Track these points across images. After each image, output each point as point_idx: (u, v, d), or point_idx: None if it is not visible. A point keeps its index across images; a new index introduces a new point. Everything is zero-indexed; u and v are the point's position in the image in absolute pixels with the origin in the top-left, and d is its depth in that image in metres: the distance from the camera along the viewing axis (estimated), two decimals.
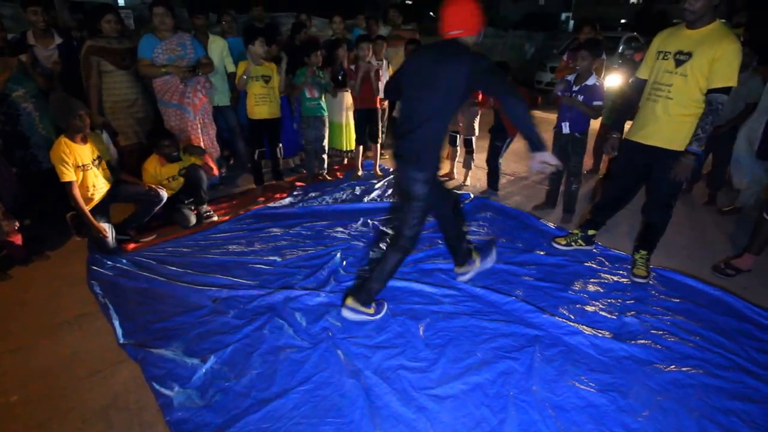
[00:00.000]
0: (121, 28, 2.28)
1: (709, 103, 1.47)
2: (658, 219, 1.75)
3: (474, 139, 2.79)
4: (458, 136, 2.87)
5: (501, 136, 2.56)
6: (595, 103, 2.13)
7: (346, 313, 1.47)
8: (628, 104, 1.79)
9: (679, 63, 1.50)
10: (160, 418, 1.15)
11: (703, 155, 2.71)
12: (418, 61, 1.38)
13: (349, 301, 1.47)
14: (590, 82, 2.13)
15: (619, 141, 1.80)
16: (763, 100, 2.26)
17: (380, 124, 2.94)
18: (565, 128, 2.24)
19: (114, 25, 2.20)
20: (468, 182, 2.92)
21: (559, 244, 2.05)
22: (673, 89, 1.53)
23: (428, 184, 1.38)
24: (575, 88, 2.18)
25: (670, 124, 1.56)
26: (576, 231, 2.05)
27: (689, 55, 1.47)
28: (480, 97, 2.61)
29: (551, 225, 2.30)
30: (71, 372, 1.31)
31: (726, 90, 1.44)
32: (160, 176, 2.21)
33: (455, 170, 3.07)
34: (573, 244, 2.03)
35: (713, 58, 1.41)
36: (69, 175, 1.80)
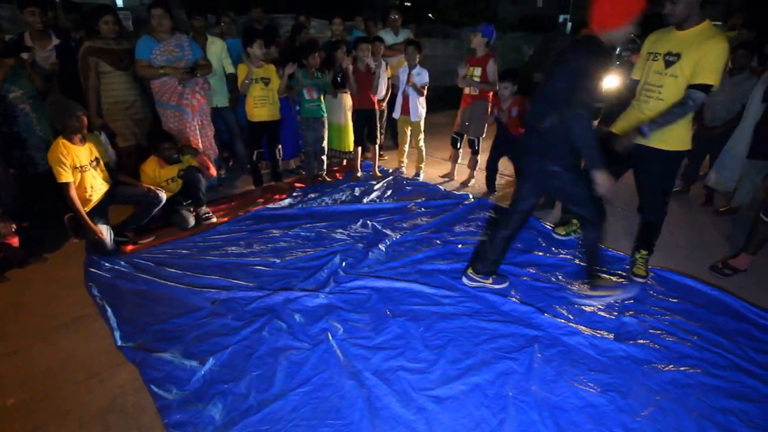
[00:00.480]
0: (120, 29, 2.27)
1: (684, 96, 1.47)
2: (654, 217, 1.77)
3: (480, 140, 2.78)
4: (459, 138, 2.88)
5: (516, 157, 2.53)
6: (594, 104, 2.16)
7: (585, 298, 1.61)
8: (623, 105, 1.81)
9: (668, 64, 1.51)
10: (158, 421, 1.15)
11: (701, 157, 2.74)
12: (552, 59, 1.40)
13: (585, 289, 1.62)
14: None
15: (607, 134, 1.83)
16: (750, 101, 2.27)
17: (378, 126, 2.95)
18: None
19: (112, 26, 2.20)
20: (471, 183, 2.92)
21: (559, 234, 2.14)
22: (663, 90, 1.54)
23: (569, 170, 1.39)
24: None
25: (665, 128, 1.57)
26: (575, 221, 2.11)
27: (678, 56, 1.48)
28: (491, 95, 2.60)
29: (549, 225, 2.31)
30: (69, 375, 1.30)
31: (704, 87, 1.43)
32: (159, 178, 2.21)
33: (455, 172, 3.07)
34: (572, 233, 2.13)
35: (699, 57, 1.42)
36: (66, 176, 1.79)
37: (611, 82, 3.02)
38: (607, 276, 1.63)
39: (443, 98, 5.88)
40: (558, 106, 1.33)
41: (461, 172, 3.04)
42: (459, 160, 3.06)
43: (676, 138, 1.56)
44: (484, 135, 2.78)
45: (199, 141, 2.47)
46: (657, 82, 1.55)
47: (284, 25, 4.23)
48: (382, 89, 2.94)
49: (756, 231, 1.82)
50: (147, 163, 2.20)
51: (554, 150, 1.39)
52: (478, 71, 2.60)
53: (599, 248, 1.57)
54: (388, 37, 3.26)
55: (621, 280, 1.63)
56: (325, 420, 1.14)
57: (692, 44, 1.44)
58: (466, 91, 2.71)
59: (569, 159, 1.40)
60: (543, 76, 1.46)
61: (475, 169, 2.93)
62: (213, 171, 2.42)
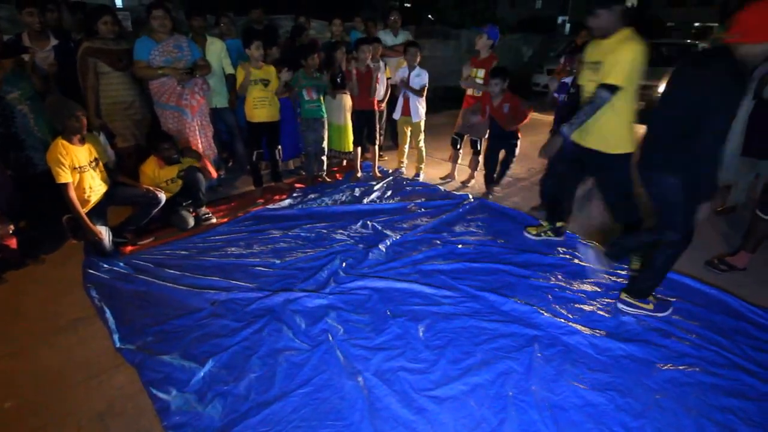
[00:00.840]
0: (118, 30, 2.27)
1: (593, 95, 1.55)
2: (624, 216, 1.79)
3: (482, 141, 2.79)
4: (459, 139, 2.87)
5: (508, 144, 2.53)
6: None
7: (621, 306, 1.59)
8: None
9: (595, 71, 1.60)
10: (157, 423, 1.14)
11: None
12: (684, 65, 1.35)
13: (623, 296, 1.59)
14: None
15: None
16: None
17: (377, 126, 2.95)
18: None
19: (111, 26, 2.19)
20: (471, 183, 2.93)
21: (530, 233, 2.18)
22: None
23: (687, 187, 1.34)
24: (573, 91, 2.21)
25: (599, 129, 1.63)
26: (545, 223, 2.16)
27: (600, 63, 1.57)
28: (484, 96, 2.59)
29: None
30: (67, 377, 1.30)
31: (609, 87, 1.49)
32: (159, 179, 2.20)
33: (456, 172, 3.08)
34: (542, 234, 2.16)
35: (613, 60, 1.50)
36: (65, 176, 1.79)
37: None
38: (652, 295, 1.57)
39: (443, 98, 5.90)
40: (688, 122, 1.27)
41: (461, 173, 3.05)
42: (459, 161, 3.07)
43: (617, 140, 1.61)
44: (486, 136, 2.79)
45: (199, 142, 2.47)
46: (591, 89, 1.62)
47: (284, 26, 4.23)
48: (381, 90, 2.95)
49: (754, 229, 1.83)
50: (146, 163, 2.20)
51: (678, 162, 1.34)
52: (481, 73, 2.59)
53: (669, 268, 1.51)
54: (388, 38, 3.27)
55: (654, 300, 1.57)
56: (325, 421, 1.14)
57: (610, 51, 1.52)
58: (469, 92, 2.71)
59: (691, 174, 1.33)
60: (671, 80, 1.38)
61: (476, 169, 2.94)
62: (214, 173, 2.42)
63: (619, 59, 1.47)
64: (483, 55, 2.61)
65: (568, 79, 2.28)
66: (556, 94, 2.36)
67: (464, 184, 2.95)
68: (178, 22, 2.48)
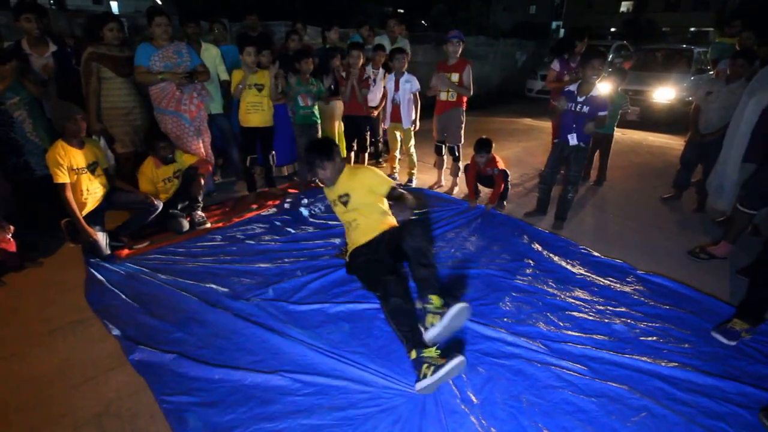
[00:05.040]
0: (123, 36, 2.30)
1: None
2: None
3: (460, 147, 2.80)
4: (443, 145, 2.88)
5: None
6: (600, 113, 2.09)
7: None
8: None
9: (345, 204, 1.69)
10: (153, 425, 1.15)
11: (694, 164, 2.71)
12: None
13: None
14: (595, 92, 2.10)
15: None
16: (740, 110, 2.14)
17: (368, 134, 2.94)
18: (573, 140, 2.19)
19: (116, 33, 2.23)
20: (455, 190, 2.92)
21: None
22: None
23: None
24: (580, 99, 2.13)
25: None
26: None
27: (349, 195, 1.68)
28: (464, 100, 2.56)
29: (543, 232, 2.33)
30: (64, 379, 1.30)
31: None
32: (156, 178, 2.23)
33: (443, 178, 3.08)
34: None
35: None
36: (62, 177, 1.82)
37: (604, 88, 3.07)
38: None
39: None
40: None
41: (448, 179, 3.04)
42: (444, 167, 3.05)
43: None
44: (462, 142, 2.79)
45: (200, 146, 2.49)
46: (348, 218, 1.73)
47: (278, 32, 4.26)
48: (378, 96, 2.97)
49: (734, 221, 1.90)
50: (145, 164, 2.22)
51: None
52: (455, 77, 2.60)
53: None
54: (385, 44, 3.30)
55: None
56: (326, 417, 1.14)
57: (350, 180, 1.69)
58: (442, 97, 2.68)
59: None
60: None
61: (457, 175, 2.93)
62: (209, 167, 2.38)
63: (364, 180, 1.63)
64: (452, 61, 2.60)
65: (572, 87, 2.20)
66: (565, 104, 2.19)
67: (451, 191, 2.92)
68: (173, 28, 2.52)
